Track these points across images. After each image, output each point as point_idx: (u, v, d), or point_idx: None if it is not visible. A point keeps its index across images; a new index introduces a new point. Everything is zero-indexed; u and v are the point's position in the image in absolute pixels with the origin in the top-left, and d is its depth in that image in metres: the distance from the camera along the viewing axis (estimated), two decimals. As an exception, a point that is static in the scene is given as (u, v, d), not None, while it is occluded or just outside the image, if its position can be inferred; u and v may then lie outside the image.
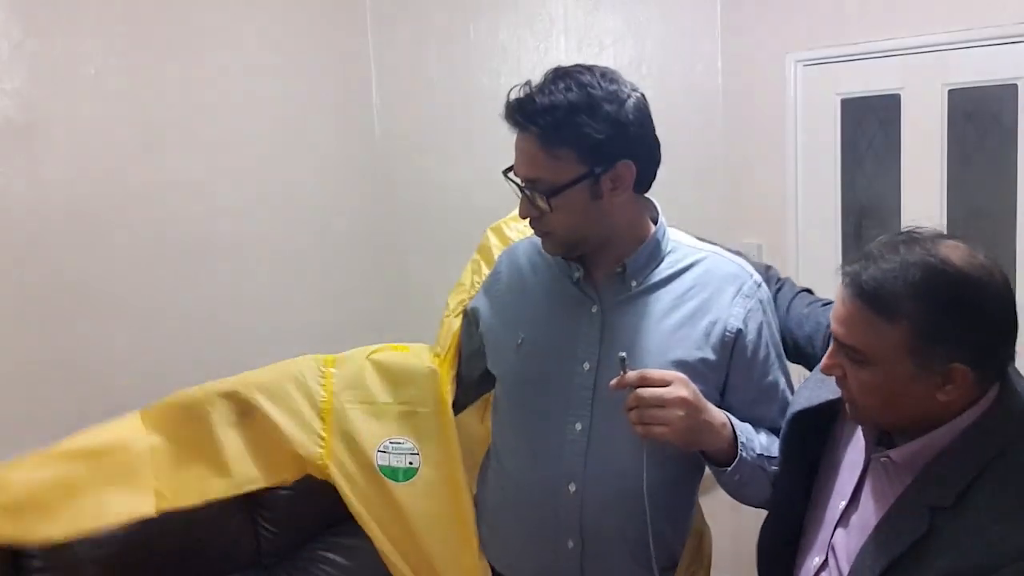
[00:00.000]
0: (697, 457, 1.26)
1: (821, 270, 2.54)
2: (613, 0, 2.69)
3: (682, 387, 1.11)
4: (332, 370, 1.46)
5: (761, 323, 1.24)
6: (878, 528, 1.03)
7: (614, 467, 1.23)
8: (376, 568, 2.32)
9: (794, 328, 1.34)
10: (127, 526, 1.97)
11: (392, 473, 1.40)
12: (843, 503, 1.11)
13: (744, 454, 1.16)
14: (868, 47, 2.36)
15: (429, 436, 1.38)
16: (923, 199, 2.32)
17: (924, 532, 0.96)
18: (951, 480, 0.97)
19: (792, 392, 1.28)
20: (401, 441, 1.39)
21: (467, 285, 1.44)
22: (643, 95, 1.23)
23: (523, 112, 1.14)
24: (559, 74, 1.16)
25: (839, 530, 1.11)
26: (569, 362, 1.23)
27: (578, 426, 1.22)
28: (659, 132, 2.83)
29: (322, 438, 1.40)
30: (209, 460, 1.38)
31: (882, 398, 1.01)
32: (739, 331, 1.22)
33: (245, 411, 1.41)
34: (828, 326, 1.24)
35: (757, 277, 1.28)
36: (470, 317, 1.41)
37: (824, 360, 1.06)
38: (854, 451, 1.14)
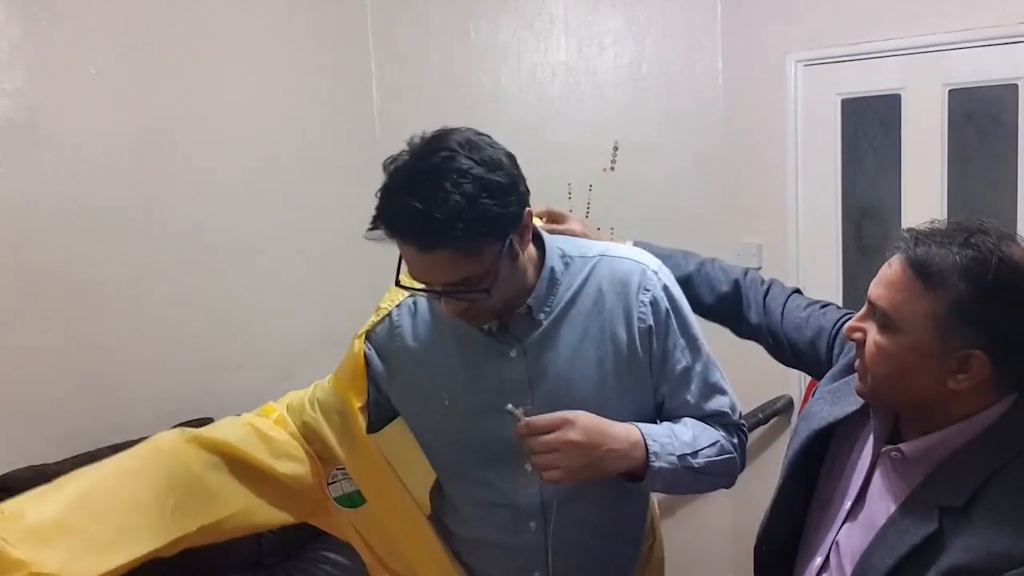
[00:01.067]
0: None
1: (821, 270, 2.54)
2: (613, 0, 2.69)
3: (570, 430, 1.08)
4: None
5: (666, 311, 1.21)
6: (885, 527, 1.02)
7: (570, 494, 1.23)
8: (376, 568, 2.33)
9: (792, 333, 1.33)
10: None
11: (348, 500, 1.35)
12: (849, 502, 1.10)
13: (658, 464, 1.14)
14: (868, 47, 2.35)
15: (356, 471, 1.32)
16: (923, 199, 2.32)
17: (932, 532, 0.95)
18: (963, 481, 0.95)
19: (715, 367, 1.26)
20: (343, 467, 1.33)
21: (382, 308, 1.33)
22: (486, 138, 1.14)
23: (427, 235, 1.02)
24: (431, 170, 1.04)
25: (844, 528, 1.10)
26: (502, 412, 1.17)
27: (528, 467, 1.20)
28: (659, 132, 2.84)
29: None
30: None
31: (894, 368, 1.00)
32: (650, 328, 1.20)
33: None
34: (833, 329, 1.28)
35: (653, 265, 1.24)
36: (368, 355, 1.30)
37: (851, 322, 1.06)
38: (862, 453, 1.12)
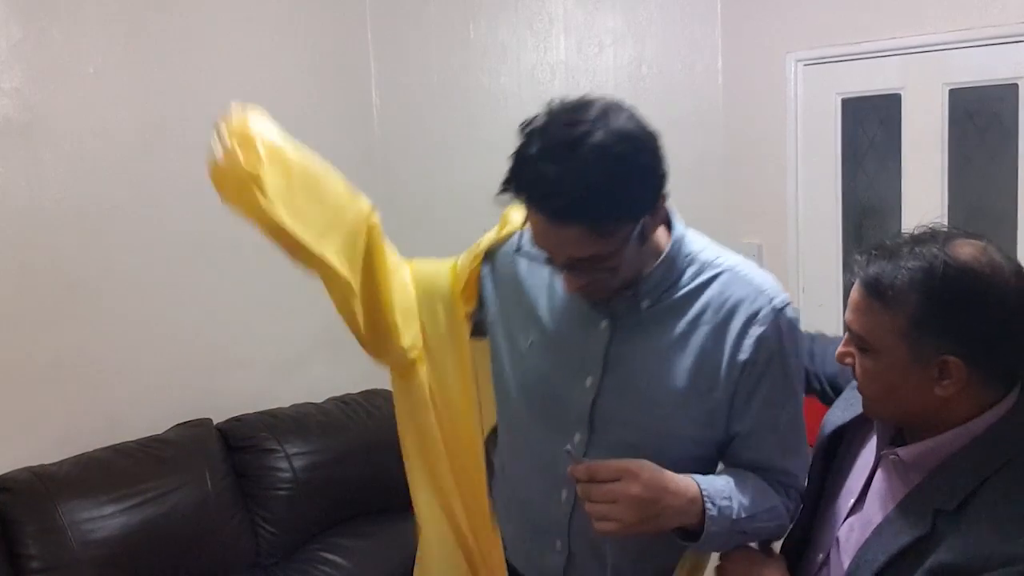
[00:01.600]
0: (702, 471, 1.21)
1: (821, 270, 2.54)
2: (613, 0, 2.69)
3: (633, 483, 1.03)
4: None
5: (773, 353, 1.13)
6: (881, 526, 1.04)
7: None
8: (375, 569, 2.32)
9: (827, 368, 1.34)
10: (127, 525, 1.99)
11: None
12: (852, 500, 1.11)
13: (715, 529, 1.08)
14: (869, 47, 2.35)
15: (439, 370, 1.32)
16: (924, 199, 2.31)
17: (924, 533, 0.96)
18: (957, 484, 0.97)
19: (802, 428, 1.22)
20: None
21: (513, 223, 1.30)
22: (630, 108, 1.09)
23: (563, 208, 1.00)
24: (574, 141, 0.99)
25: (845, 525, 1.11)
26: (573, 374, 1.18)
27: (576, 436, 1.19)
28: (659, 132, 2.80)
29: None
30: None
31: (882, 387, 1.02)
32: (746, 362, 1.13)
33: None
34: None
35: (778, 300, 1.15)
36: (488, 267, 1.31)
37: (839, 348, 1.07)
38: (867, 453, 1.13)
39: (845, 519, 1.12)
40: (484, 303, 1.31)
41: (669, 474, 1.08)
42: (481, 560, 1.35)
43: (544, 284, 1.24)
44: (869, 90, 2.40)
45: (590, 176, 0.99)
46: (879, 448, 1.09)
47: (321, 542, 2.34)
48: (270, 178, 1.14)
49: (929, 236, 0.99)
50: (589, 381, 1.18)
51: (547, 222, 1.03)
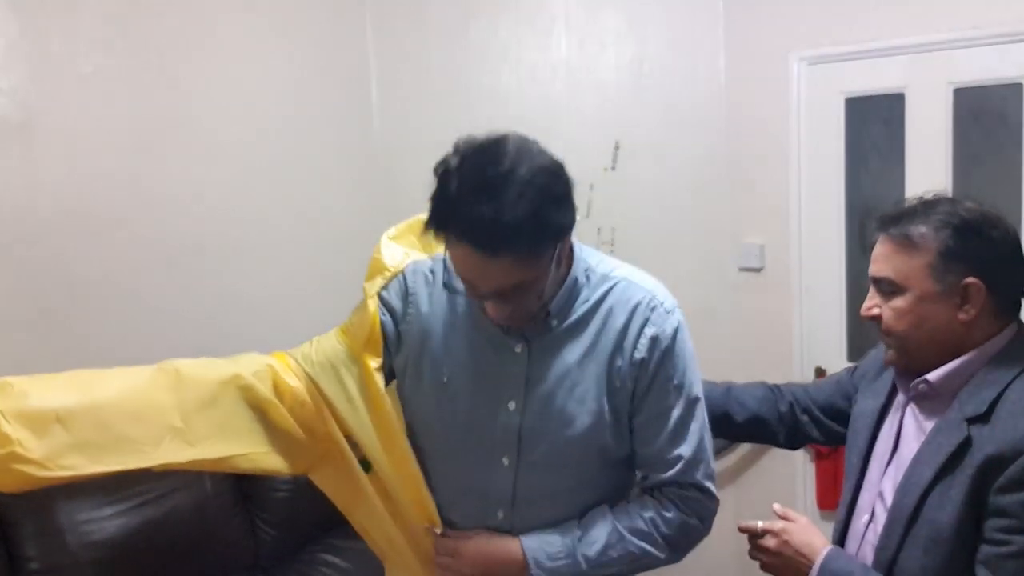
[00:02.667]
0: (623, 477, 1.31)
1: (824, 270, 2.53)
2: (615, -2, 2.68)
3: (460, 563, 1.24)
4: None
5: (665, 349, 1.22)
6: (920, 451, 1.17)
7: (542, 493, 1.26)
8: (374, 571, 2.31)
9: (816, 395, 1.49)
10: (126, 527, 1.98)
11: (363, 465, 1.36)
12: (886, 459, 1.24)
13: (539, 573, 1.22)
14: (873, 45, 2.34)
15: (363, 432, 1.31)
16: (928, 199, 2.30)
17: (963, 439, 1.11)
18: (984, 395, 1.12)
19: (697, 420, 1.27)
20: None
21: (391, 268, 1.33)
22: (535, 142, 1.17)
23: (496, 241, 1.06)
24: (499, 178, 1.06)
25: (885, 478, 1.23)
26: (496, 401, 1.23)
27: (505, 460, 1.25)
28: (661, 131, 2.82)
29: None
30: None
31: (913, 320, 1.17)
32: (642, 360, 1.22)
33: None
34: (849, 372, 1.49)
35: (668, 303, 1.25)
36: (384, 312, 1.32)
37: (864, 304, 1.24)
38: (889, 426, 1.27)
39: (883, 474, 1.23)
40: (388, 349, 1.31)
41: (498, 545, 1.24)
42: None
43: (454, 319, 1.27)
44: (873, 89, 2.39)
45: (519, 209, 1.05)
46: (903, 406, 1.23)
47: (321, 543, 2.33)
48: (35, 443, 1.11)
49: (935, 199, 1.21)
50: (513, 405, 1.22)
51: (478, 256, 1.08)
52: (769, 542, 1.27)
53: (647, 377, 1.23)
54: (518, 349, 1.23)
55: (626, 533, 1.24)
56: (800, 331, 2.55)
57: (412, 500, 1.32)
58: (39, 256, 2.08)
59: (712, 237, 2.64)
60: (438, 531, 1.26)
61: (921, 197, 1.22)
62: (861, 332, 2.41)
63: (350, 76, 2.86)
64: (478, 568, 1.23)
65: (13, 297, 2.04)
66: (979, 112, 2.25)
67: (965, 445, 1.10)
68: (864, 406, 1.34)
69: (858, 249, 2.48)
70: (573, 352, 1.23)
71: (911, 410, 1.23)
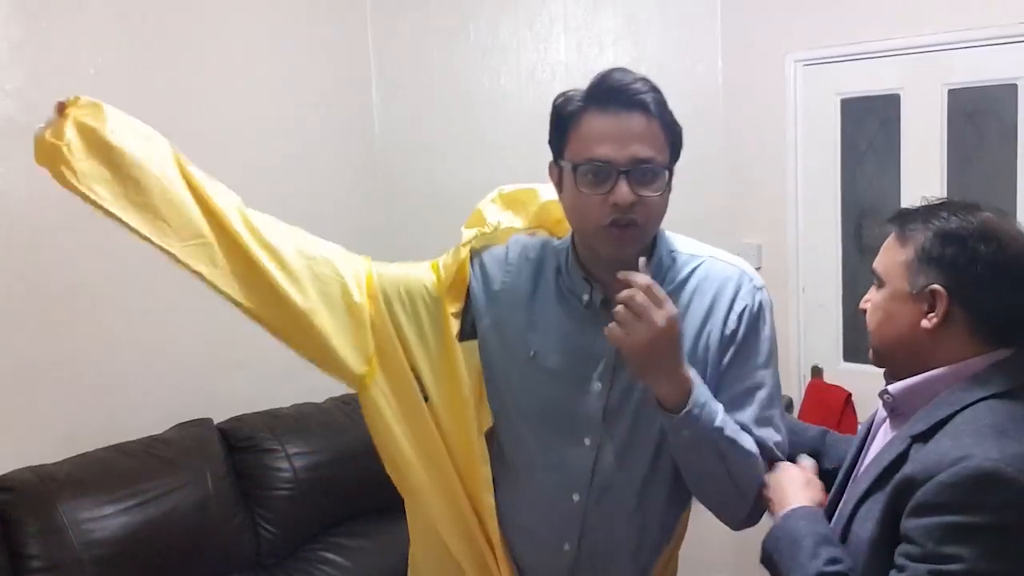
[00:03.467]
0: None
1: (821, 270, 2.54)
2: (613, 0, 2.69)
3: (663, 318, 1.09)
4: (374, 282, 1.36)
5: (752, 324, 1.22)
6: (868, 465, 1.14)
7: (619, 481, 1.24)
8: (375, 569, 2.32)
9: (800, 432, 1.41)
10: (128, 525, 1.99)
11: None
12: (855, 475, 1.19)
13: (695, 411, 1.13)
14: (868, 47, 2.35)
15: (428, 370, 1.33)
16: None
17: (897, 455, 1.06)
18: (934, 416, 1.06)
19: (778, 403, 1.25)
20: None
21: (490, 225, 1.34)
22: None
23: (641, 89, 1.17)
24: (629, 72, 1.20)
25: (847, 490, 1.18)
26: (582, 382, 1.23)
27: (587, 440, 1.24)
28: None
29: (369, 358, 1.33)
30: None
31: (881, 317, 1.14)
32: (733, 332, 1.21)
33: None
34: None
35: (757, 280, 1.26)
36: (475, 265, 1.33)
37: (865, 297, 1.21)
38: (868, 438, 1.22)
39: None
40: (472, 307, 1.32)
41: (682, 356, 1.14)
42: (491, 557, 1.35)
43: (547, 297, 1.27)
44: (868, 90, 2.40)
45: (645, 83, 1.20)
46: (879, 418, 1.18)
47: (322, 542, 2.35)
48: (86, 164, 1.22)
49: (948, 203, 1.13)
50: (599, 386, 1.22)
51: (625, 113, 1.15)
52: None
53: (735, 351, 1.21)
54: (607, 329, 1.18)
55: (750, 440, 1.19)
56: (797, 331, 2.57)
57: (462, 451, 1.31)
58: (42, 256, 2.09)
59: (709, 237, 2.60)
60: (645, 270, 1.13)
61: (945, 199, 1.15)
62: (857, 332, 2.43)
63: (351, 77, 2.87)
64: (658, 342, 1.09)
65: (14, 297, 2.05)
66: (973, 113, 2.26)
67: (899, 462, 1.05)
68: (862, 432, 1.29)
69: (854, 249, 2.50)
70: None
71: (884, 426, 1.19)
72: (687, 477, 1.22)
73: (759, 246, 2.61)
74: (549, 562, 1.29)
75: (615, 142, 1.14)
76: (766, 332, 1.24)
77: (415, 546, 1.42)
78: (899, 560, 1.00)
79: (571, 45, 2.74)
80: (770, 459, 1.22)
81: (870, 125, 2.44)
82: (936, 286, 1.07)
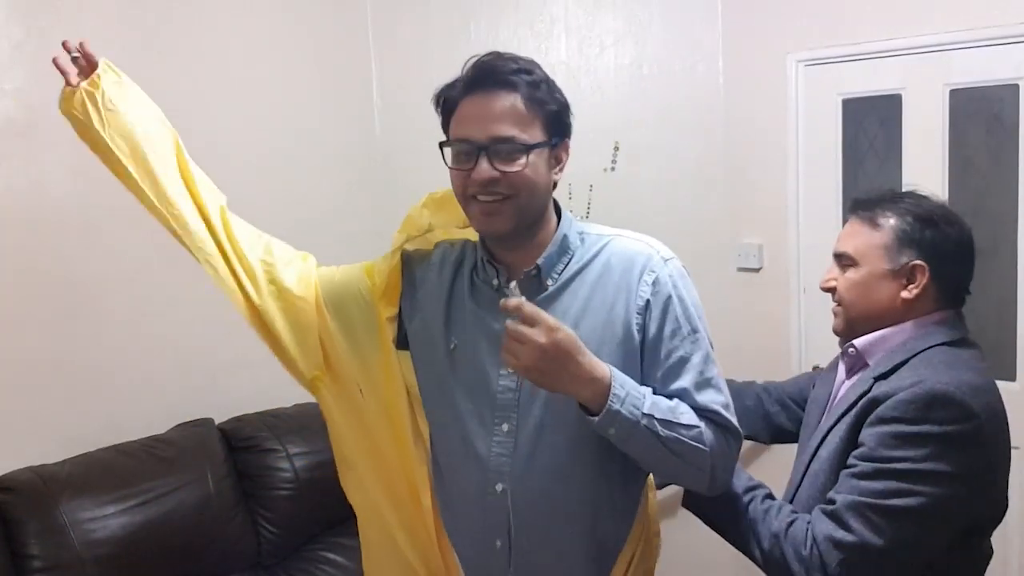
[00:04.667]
0: (628, 464, 1.25)
1: (822, 270, 2.53)
2: (614, 0, 2.69)
3: (542, 334, 1.10)
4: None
5: (669, 296, 1.23)
6: (833, 403, 1.33)
7: (541, 465, 1.24)
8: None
9: (789, 388, 1.61)
10: (129, 525, 1.99)
11: None
12: (819, 436, 1.33)
13: (615, 407, 1.12)
14: (869, 47, 2.35)
15: (371, 368, 1.39)
16: (924, 199, 2.32)
17: (863, 391, 1.24)
18: (894, 359, 1.26)
19: (714, 364, 1.26)
20: None
21: (421, 228, 1.38)
22: None
23: (505, 70, 1.18)
24: (504, 55, 1.21)
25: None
26: (494, 366, 1.25)
27: (504, 427, 1.25)
28: (660, 132, 2.83)
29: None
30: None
31: (861, 291, 1.32)
32: (647, 303, 1.22)
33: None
34: (813, 373, 1.64)
35: (665, 252, 1.27)
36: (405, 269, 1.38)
37: (823, 278, 1.40)
38: (831, 395, 1.40)
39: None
40: (404, 310, 1.36)
41: (586, 352, 1.14)
42: (441, 561, 1.36)
43: (461, 292, 1.31)
44: (870, 90, 2.40)
45: (520, 62, 1.21)
46: (842, 358, 1.37)
47: (323, 542, 2.35)
48: (113, 115, 1.35)
49: (907, 192, 1.36)
50: (511, 368, 1.20)
51: (483, 94, 1.18)
52: None
53: (655, 322, 1.22)
54: (501, 357, 1.20)
55: (689, 412, 1.20)
56: (798, 331, 2.57)
57: (398, 447, 1.35)
58: (42, 256, 2.09)
59: (710, 237, 2.65)
60: (518, 296, 1.15)
61: (891, 189, 1.38)
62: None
63: (351, 77, 2.87)
64: (550, 359, 1.11)
65: (15, 297, 2.05)
66: (975, 113, 2.26)
67: (863, 395, 1.23)
68: (817, 393, 1.45)
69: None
70: (570, 309, 1.23)
71: (846, 384, 1.35)
72: (640, 464, 1.23)
73: (760, 246, 2.61)
74: (486, 562, 1.29)
75: (478, 122, 1.18)
76: (685, 298, 1.25)
77: (367, 562, 1.43)
78: (851, 461, 1.19)
79: (572, 45, 2.74)
80: (718, 423, 1.22)
81: (871, 125, 2.44)
82: (919, 262, 1.28)
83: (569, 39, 2.74)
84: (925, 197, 1.33)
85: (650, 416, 1.15)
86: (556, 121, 1.22)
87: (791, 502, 1.32)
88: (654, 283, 1.23)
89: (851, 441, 1.22)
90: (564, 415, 1.21)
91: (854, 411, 1.23)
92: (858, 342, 1.32)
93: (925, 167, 2.32)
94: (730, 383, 1.52)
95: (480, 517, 1.28)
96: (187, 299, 2.37)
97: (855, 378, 1.32)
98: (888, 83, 2.36)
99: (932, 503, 1.13)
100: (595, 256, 1.26)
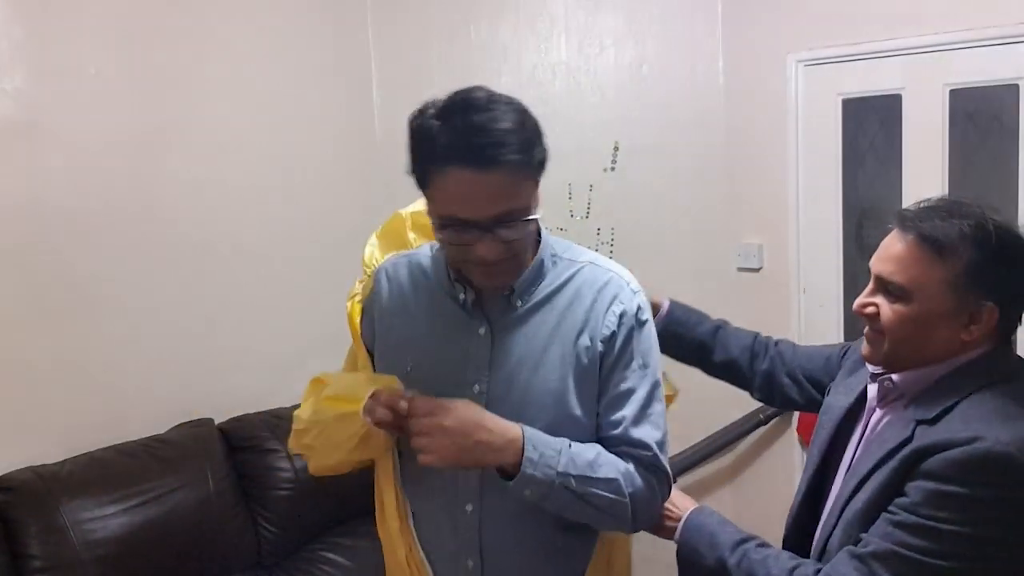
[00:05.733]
0: None
1: (822, 270, 2.54)
2: (614, 0, 2.69)
3: (444, 416, 1.11)
4: None
5: (632, 329, 1.23)
6: (867, 443, 1.17)
7: (507, 494, 1.20)
8: (376, 569, 2.32)
9: (804, 363, 1.48)
10: (129, 525, 1.99)
11: None
12: (848, 462, 1.22)
13: (531, 472, 1.13)
14: (869, 47, 2.35)
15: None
16: (924, 199, 2.31)
17: (905, 438, 1.09)
18: (938, 401, 1.09)
19: (659, 402, 1.26)
20: None
21: (366, 269, 1.38)
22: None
23: (501, 144, 1.06)
24: (484, 98, 1.10)
25: (839, 479, 1.22)
26: (459, 386, 1.22)
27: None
28: (660, 132, 2.82)
29: None
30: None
31: (913, 330, 1.12)
32: (612, 335, 1.22)
33: None
34: (839, 349, 1.45)
35: (634, 285, 1.27)
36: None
37: (860, 299, 1.19)
38: (859, 429, 1.24)
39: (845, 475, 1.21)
40: (366, 338, 1.35)
41: (489, 415, 1.15)
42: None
43: (417, 309, 1.28)
44: (870, 91, 2.40)
45: (509, 118, 1.08)
46: (870, 407, 1.21)
47: (323, 542, 2.35)
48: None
49: (963, 202, 1.13)
50: (477, 388, 1.21)
51: (473, 173, 1.06)
52: None
53: (614, 353, 1.22)
54: (482, 331, 1.22)
55: (610, 462, 1.20)
56: (798, 331, 2.57)
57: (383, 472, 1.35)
58: (42, 256, 2.09)
59: (711, 237, 2.65)
60: (409, 394, 1.17)
61: (952, 201, 1.15)
62: (858, 332, 2.42)
63: (351, 77, 2.87)
64: (461, 435, 1.12)
65: (15, 297, 2.05)
66: (975, 113, 2.26)
67: (906, 443, 1.09)
68: (834, 401, 1.31)
69: (855, 249, 2.50)
70: (538, 332, 1.22)
71: (878, 413, 1.21)
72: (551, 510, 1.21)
73: (760, 246, 2.61)
74: None
75: (474, 201, 1.08)
76: (644, 334, 1.25)
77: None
78: (892, 508, 1.07)
79: (572, 45, 2.74)
80: (647, 464, 1.22)
81: (871, 125, 2.44)
82: (989, 304, 1.09)
83: (569, 39, 2.74)
84: (987, 214, 1.11)
85: (565, 475, 1.15)
86: (541, 166, 1.16)
87: (823, 548, 1.19)
88: (621, 315, 1.23)
89: (890, 495, 1.09)
90: (531, 426, 1.20)
91: (896, 460, 1.09)
92: (898, 378, 1.16)
93: (925, 167, 2.32)
94: (750, 335, 1.55)
95: (452, 535, 1.27)
96: (187, 299, 2.37)
97: (890, 412, 1.18)
98: (888, 83, 2.36)
99: (974, 570, 1.03)
100: (567, 282, 1.25)
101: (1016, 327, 1.15)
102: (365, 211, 2.86)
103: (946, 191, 2.29)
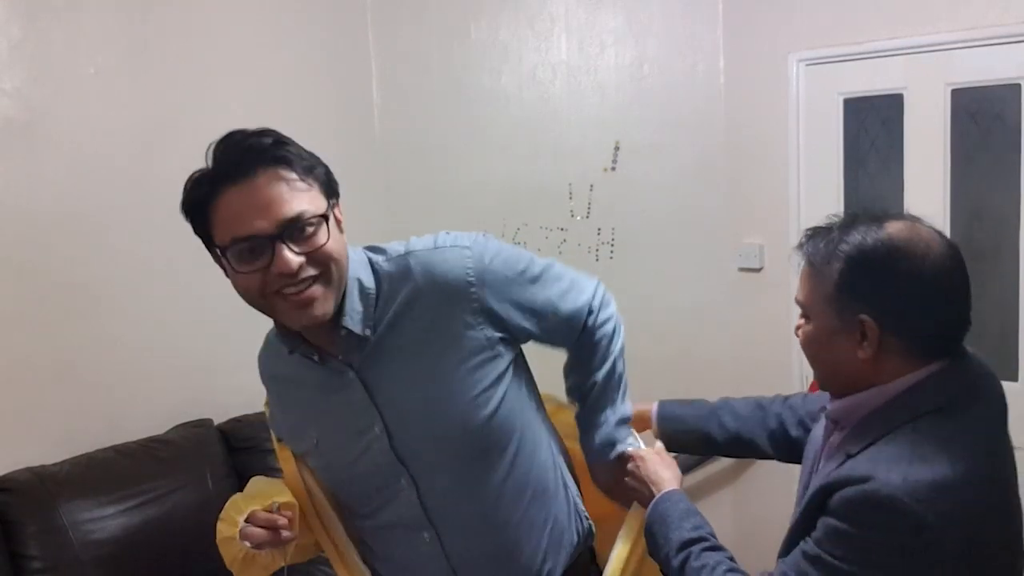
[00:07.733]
0: (531, 461, 1.25)
1: (823, 270, 2.53)
2: (614, 0, 2.68)
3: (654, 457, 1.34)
4: None
5: (495, 279, 1.17)
6: (809, 475, 1.19)
7: (455, 509, 1.21)
8: (376, 569, 2.32)
9: (812, 407, 1.41)
10: (128, 526, 1.99)
11: None
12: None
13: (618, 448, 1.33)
14: (871, 46, 2.34)
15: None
16: (926, 199, 2.30)
17: (832, 470, 1.07)
18: (867, 434, 1.06)
19: (558, 278, 1.26)
20: None
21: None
22: None
23: (257, 147, 1.07)
24: (239, 132, 1.14)
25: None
26: (361, 434, 1.18)
27: (402, 481, 1.20)
28: (661, 132, 2.81)
29: None
30: None
31: (816, 349, 1.14)
32: (485, 308, 1.16)
33: None
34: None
35: (460, 240, 1.18)
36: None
37: (796, 321, 1.21)
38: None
39: None
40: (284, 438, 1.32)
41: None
42: None
43: (295, 388, 1.25)
44: (871, 90, 2.39)
45: (258, 134, 1.10)
46: (824, 422, 1.21)
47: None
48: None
49: (858, 215, 1.11)
50: (377, 429, 1.17)
51: (240, 184, 1.05)
52: (629, 466, 1.33)
53: (502, 303, 1.17)
54: (350, 377, 1.17)
55: (604, 351, 1.32)
56: (799, 331, 2.56)
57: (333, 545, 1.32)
58: (41, 256, 2.09)
59: (711, 237, 2.64)
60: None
61: (850, 213, 1.14)
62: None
63: (351, 76, 2.86)
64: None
65: (14, 297, 2.05)
66: (976, 113, 2.26)
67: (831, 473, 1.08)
68: (815, 432, 1.28)
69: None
70: (402, 348, 1.16)
71: (832, 437, 1.18)
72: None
73: (760, 246, 2.60)
74: None
75: (254, 212, 1.04)
76: (507, 267, 1.19)
77: None
78: (806, 537, 1.07)
79: (572, 45, 2.74)
80: (597, 308, 1.30)
81: (873, 125, 2.43)
82: (864, 317, 1.05)
83: (569, 39, 2.74)
84: (875, 226, 1.07)
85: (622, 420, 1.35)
86: (327, 181, 1.12)
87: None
88: (479, 281, 1.15)
89: (806, 526, 1.08)
90: (450, 440, 1.18)
91: (819, 491, 1.07)
92: (831, 407, 1.15)
93: (926, 167, 2.31)
94: (750, 403, 1.48)
95: (423, 568, 1.25)
96: (187, 299, 2.37)
97: (836, 443, 1.16)
98: (890, 83, 2.35)
99: None
100: (403, 284, 1.16)
101: (936, 339, 1.07)
102: (364, 210, 2.86)
103: (948, 191, 2.29)
